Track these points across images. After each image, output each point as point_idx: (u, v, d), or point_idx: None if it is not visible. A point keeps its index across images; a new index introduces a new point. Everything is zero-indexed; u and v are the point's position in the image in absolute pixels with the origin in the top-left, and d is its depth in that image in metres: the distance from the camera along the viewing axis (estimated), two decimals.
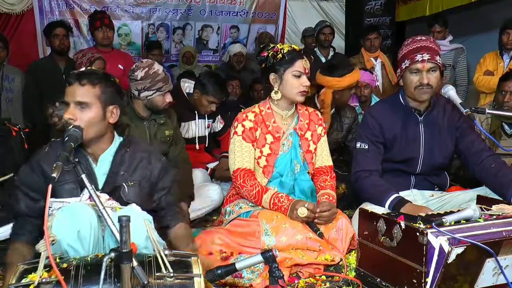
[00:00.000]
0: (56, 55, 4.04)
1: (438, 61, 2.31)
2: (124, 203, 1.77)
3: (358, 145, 2.49)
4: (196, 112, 3.42)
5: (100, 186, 1.78)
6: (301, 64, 2.36)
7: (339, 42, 5.88)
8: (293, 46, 2.44)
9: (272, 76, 2.41)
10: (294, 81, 2.36)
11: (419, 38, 2.38)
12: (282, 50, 2.37)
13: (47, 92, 3.78)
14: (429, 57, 2.29)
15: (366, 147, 2.45)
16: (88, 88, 1.75)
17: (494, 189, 2.31)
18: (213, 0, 5.63)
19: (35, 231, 1.73)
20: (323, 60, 4.91)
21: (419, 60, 2.30)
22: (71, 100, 1.74)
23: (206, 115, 3.46)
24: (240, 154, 2.39)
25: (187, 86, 3.49)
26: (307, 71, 2.38)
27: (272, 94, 2.42)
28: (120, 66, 4.05)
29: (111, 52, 4.16)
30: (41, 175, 1.74)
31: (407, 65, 2.34)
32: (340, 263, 2.20)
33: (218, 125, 3.59)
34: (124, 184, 1.80)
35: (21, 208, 1.74)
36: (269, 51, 2.42)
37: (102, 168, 1.81)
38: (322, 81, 3.16)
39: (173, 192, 1.98)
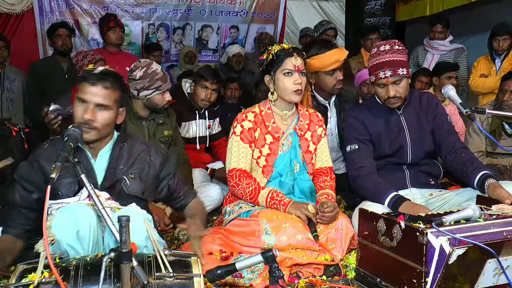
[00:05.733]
0: (59, 55, 4.08)
1: (401, 73, 2.41)
2: (125, 196, 1.79)
3: (348, 148, 2.57)
4: (197, 112, 3.42)
5: (99, 182, 1.79)
6: (291, 62, 2.35)
7: (339, 42, 5.87)
8: (283, 45, 2.44)
9: (266, 78, 2.43)
10: (285, 80, 2.36)
11: (382, 49, 2.46)
12: (273, 51, 2.39)
13: (49, 92, 3.79)
14: (391, 73, 2.41)
15: (357, 147, 2.53)
16: (110, 92, 1.79)
17: (461, 177, 2.42)
18: (213, 0, 5.63)
19: (27, 223, 1.76)
20: None
21: (382, 77, 2.43)
22: (91, 101, 1.76)
23: (207, 116, 3.47)
24: (237, 155, 2.40)
25: (188, 86, 3.50)
26: (298, 68, 2.35)
27: (269, 95, 2.45)
28: (127, 68, 4.05)
29: (119, 54, 4.19)
30: (39, 171, 1.76)
31: (373, 80, 2.50)
32: (341, 262, 2.20)
33: (216, 128, 3.59)
34: (125, 177, 1.82)
35: (15, 198, 1.77)
36: (264, 54, 2.45)
37: (100, 163, 1.83)
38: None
39: (178, 175, 2.03)
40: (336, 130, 3.11)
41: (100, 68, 1.85)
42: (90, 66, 1.88)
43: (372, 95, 3.81)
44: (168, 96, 2.79)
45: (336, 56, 2.87)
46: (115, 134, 1.91)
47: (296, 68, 2.35)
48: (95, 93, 1.76)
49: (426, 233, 1.66)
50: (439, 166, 2.65)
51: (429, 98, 2.62)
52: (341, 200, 3.01)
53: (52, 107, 2.36)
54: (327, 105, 3.06)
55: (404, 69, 2.41)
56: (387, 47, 2.46)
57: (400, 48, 2.45)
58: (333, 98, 3.08)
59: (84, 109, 1.75)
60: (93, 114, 1.75)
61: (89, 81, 1.77)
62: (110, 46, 4.15)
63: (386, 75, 2.41)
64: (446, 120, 2.58)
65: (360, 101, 3.77)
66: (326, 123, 2.99)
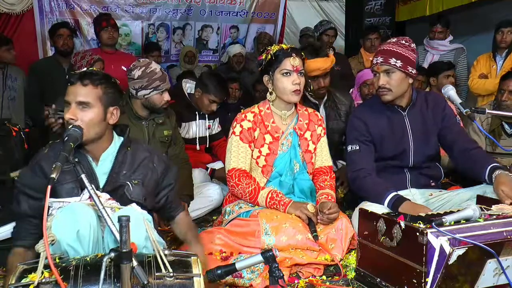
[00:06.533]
0: (60, 55, 4.09)
1: (394, 63, 2.37)
2: (127, 201, 1.77)
3: (349, 148, 2.55)
4: (196, 112, 3.42)
5: (101, 185, 1.78)
6: (289, 62, 2.35)
7: (339, 42, 5.88)
8: (282, 45, 2.45)
9: (265, 78, 2.43)
10: (284, 80, 2.36)
11: (388, 41, 2.49)
12: (271, 51, 2.39)
13: (49, 92, 3.80)
14: (382, 60, 2.40)
15: (357, 148, 2.50)
16: (90, 89, 1.76)
17: (473, 174, 2.39)
18: (213, 0, 5.63)
19: (37, 232, 1.72)
20: None
21: (374, 63, 2.43)
22: (73, 100, 1.75)
23: (206, 116, 3.47)
24: (236, 154, 2.40)
25: (189, 86, 3.50)
26: (296, 68, 2.35)
27: (267, 95, 2.45)
28: (123, 67, 4.07)
29: (115, 53, 4.19)
30: (42, 176, 1.74)
31: (371, 69, 2.49)
32: (341, 262, 2.20)
33: (216, 128, 3.59)
34: (128, 182, 1.81)
35: (24, 209, 1.74)
36: (263, 54, 2.45)
37: (102, 167, 1.82)
38: None
39: (175, 187, 2.03)
40: None
41: (84, 69, 1.84)
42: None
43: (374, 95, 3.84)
44: (166, 96, 2.77)
45: (318, 64, 2.97)
46: (116, 138, 1.89)
47: (295, 68, 2.35)
48: (74, 91, 1.75)
49: (426, 233, 1.66)
50: (440, 168, 2.64)
51: (436, 99, 2.57)
52: (339, 187, 3.03)
53: (53, 111, 2.39)
54: (318, 105, 3.16)
55: (399, 61, 2.36)
56: (393, 40, 2.46)
57: (406, 43, 2.42)
58: (325, 99, 3.17)
59: (67, 110, 1.74)
60: (74, 114, 1.72)
61: (69, 82, 1.77)
62: (104, 46, 4.15)
63: (378, 61, 2.40)
64: (456, 121, 2.54)
65: (358, 101, 3.81)
66: None
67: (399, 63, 2.37)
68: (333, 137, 3.21)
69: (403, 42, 2.43)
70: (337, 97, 3.25)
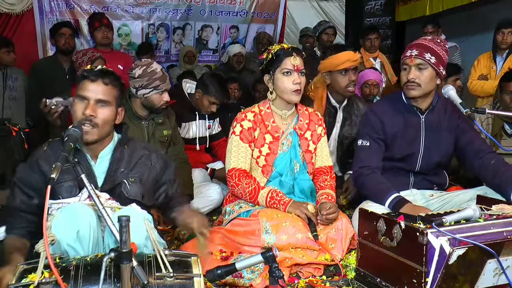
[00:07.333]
0: (61, 55, 4.09)
1: (428, 58, 2.31)
2: (125, 199, 1.78)
3: (359, 142, 2.51)
4: (197, 112, 3.42)
5: (99, 184, 1.79)
6: (289, 62, 2.34)
7: (339, 42, 5.88)
8: (283, 44, 2.44)
9: (266, 77, 2.43)
10: (284, 79, 2.35)
11: (423, 37, 2.43)
12: (273, 50, 2.39)
13: (50, 91, 3.78)
14: (417, 53, 2.33)
15: (368, 144, 2.46)
16: (110, 88, 1.80)
17: (493, 187, 2.31)
18: (213, 0, 5.63)
19: (29, 226, 1.76)
20: None
21: (408, 55, 2.36)
22: (93, 97, 1.77)
23: (206, 116, 3.47)
24: (236, 154, 2.40)
25: (189, 86, 3.50)
26: (297, 67, 2.35)
27: (268, 94, 2.45)
28: (119, 66, 4.08)
29: (111, 53, 4.19)
30: (39, 174, 1.75)
31: (401, 61, 2.42)
32: (341, 262, 2.20)
33: (216, 128, 3.59)
34: (125, 180, 1.82)
35: (17, 204, 1.77)
36: (264, 53, 2.45)
37: (101, 165, 1.83)
38: (320, 69, 3.10)
39: (177, 184, 2.04)
40: (336, 135, 3.18)
41: (99, 67, 1.87)
42: (88, 67, 1.88)
43: (374, 96, 3.85)
44: (166, 97, 2.78)
45: (347, 56, 2.96)
46: (116, 136, 1.90)
47: (295, 68, 2.35)
48: (95, 89, 1.77)
49: (426, 233, 1.66)
50: (446, 176, 2.62)
51: (455, 106, 2.48)
52: (343, 193, 3.02)
53: (53, 99, 2.41)
54: (338, 108, 3.15)
55: (433, 57, 2.30)
56: (429, 37, 2.42)
57: (441, 43, 2.38)
58: (344, 103, 3.16)
59: (85, 106, 1.76)
60: (94, 110, 1.75)
61: (90, 78, 1.78)
62: (99, 46, 4.15)
63: (412, 53, 2.33)
64: (471, 127, 2.49)
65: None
66: (333, 126, 3.10)
67: (433, 60, 2.31)
68: (343, 142, 3.21)
69: (439, 41, 2.39)
70: (356, 104, 3.23)
